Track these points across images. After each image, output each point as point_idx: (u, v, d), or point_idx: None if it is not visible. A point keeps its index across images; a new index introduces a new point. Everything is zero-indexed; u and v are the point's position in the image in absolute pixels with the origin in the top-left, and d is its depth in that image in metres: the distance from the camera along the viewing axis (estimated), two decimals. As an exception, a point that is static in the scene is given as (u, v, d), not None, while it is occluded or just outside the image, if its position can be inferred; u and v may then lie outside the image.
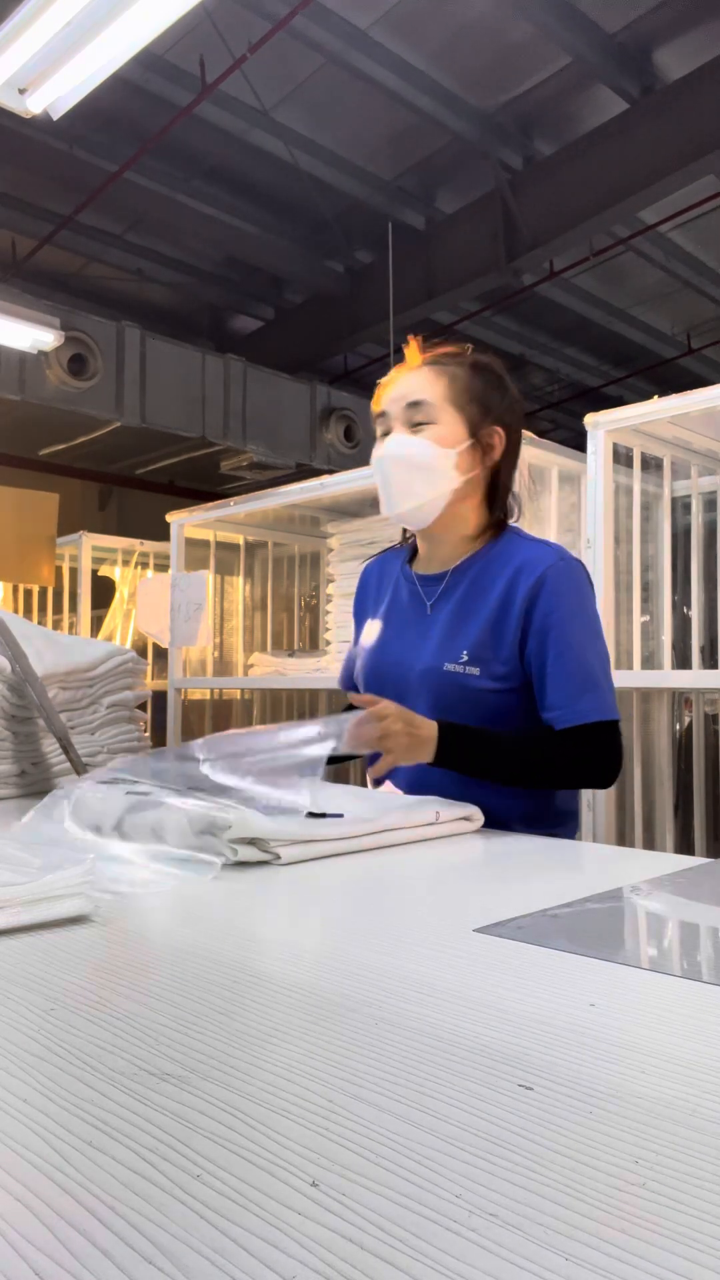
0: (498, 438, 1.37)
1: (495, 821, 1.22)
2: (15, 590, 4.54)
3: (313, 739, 1.13)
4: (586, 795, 2.22)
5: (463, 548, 1.41)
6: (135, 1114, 0.41)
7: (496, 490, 1.41)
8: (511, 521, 1.45)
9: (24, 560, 4.00)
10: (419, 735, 1.22)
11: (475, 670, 1.31)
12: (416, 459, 1.34)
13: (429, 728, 1.23)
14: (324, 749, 1.11)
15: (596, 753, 1.29)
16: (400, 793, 1.36)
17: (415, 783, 1.35)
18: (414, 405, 1.36)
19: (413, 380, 1.38)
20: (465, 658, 1.32)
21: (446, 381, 1.36)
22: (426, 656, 1.36)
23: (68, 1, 2.19)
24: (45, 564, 4.06)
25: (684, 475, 2.39)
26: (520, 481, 1.46)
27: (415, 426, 1.36)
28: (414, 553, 1.50)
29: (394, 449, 1.36)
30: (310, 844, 0.98)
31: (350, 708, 1.31)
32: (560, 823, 1.39)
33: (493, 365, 1.41)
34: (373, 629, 1.49)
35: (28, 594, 4.55)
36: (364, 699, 1.23)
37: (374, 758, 1.23)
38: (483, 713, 1.31)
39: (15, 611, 4.30)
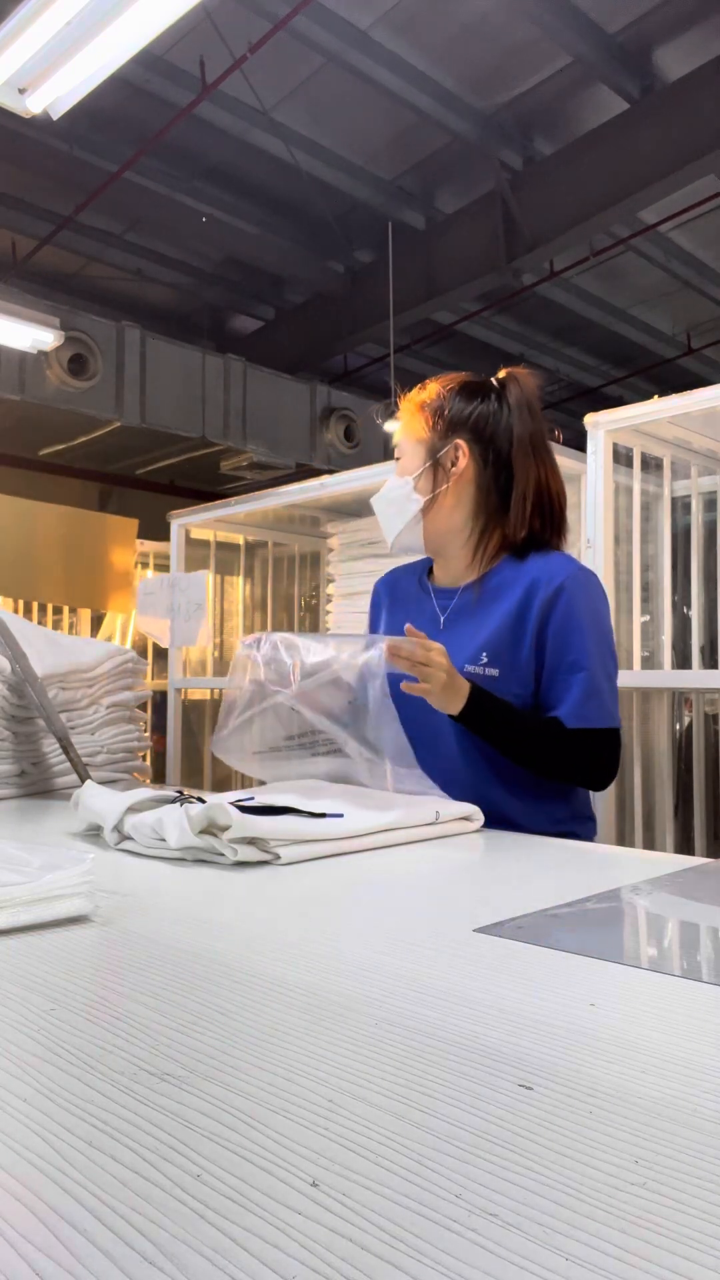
0: (460, 451, 1.43)
1: (515, 826, 1.29)
2: (15, 590, 4.53)
3: (361, 648, 1.25)
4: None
5: (473, 561, 1.47)
6: (135, 1114, 0.41)
7: (489, 501, 1.45)
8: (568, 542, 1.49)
9: (104, 587, 3.97)
10: (455, 684, 1.28)
11: (495, 672, 1.36)
12: (383, 496, 1.50)
13: (464, 683, 1.29)
14: (374, 654, 1.23)
15: (596, 756, 1.35)
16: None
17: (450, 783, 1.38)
18: (396, 448, 1.53)
19: (399, 428, 1.54)
20: (485, 659, 1.37)
21: (412, 416, 1.49)
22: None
23: (68, 1, 2.19)
24: (124, 595, 4.02)
25: (684, 475, 2.38)
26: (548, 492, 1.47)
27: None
28: (433, 566, 1.56)
29: (377, 493, 1.52)
30: (310, 844, 0.98)
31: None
32: (582, 824, 1.44)
33: (467, 383, 1.49)
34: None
35: (28, 594, 4.55)
36: (416, 633, 1.29)
37: (407, 679, 1.29)
38: None
39: (16, 612, 4.30)
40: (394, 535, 1.49)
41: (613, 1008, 0.55)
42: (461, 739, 1.37)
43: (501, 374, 1.49)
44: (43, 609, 4.44)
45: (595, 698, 1.32)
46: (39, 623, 3.87)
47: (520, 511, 1.42)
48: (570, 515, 2.50)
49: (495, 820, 1.25)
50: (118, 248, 6.81)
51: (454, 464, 1.44)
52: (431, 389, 1.48)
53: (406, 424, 1.50)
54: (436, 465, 1.45)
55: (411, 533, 1.48)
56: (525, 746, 1.33)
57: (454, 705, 1.29)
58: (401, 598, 1.57)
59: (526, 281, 6.77)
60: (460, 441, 1.43)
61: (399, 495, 1.47)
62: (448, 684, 1.27)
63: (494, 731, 1.31)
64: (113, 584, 3.99)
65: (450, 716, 1.30)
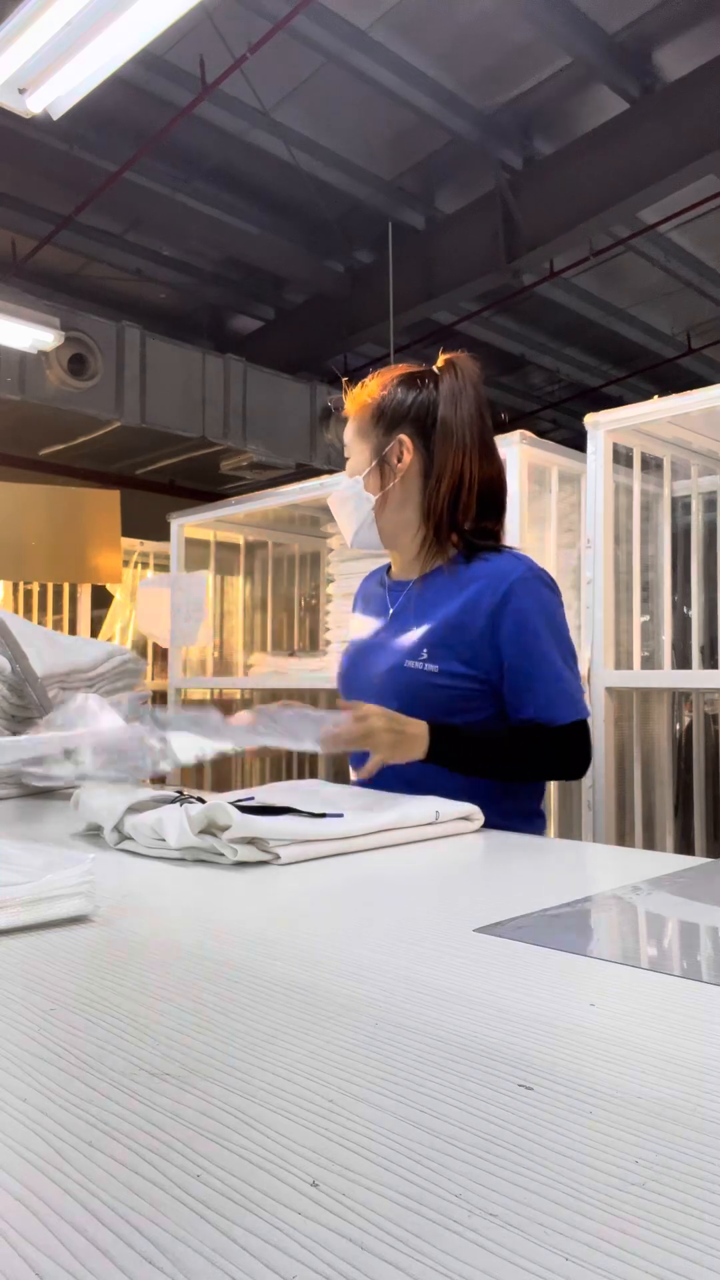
0: (403, 447, 1.43)
1: None
2: (15, 590, 4.54)
3: (303, 742, 1.20)
4: (586, 795, 2.22)
5: (421, 556, 1.48)
6: (135, 1114, 0.41)
7: (430, 496, 1.43)
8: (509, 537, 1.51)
9: (90, 560, 4.03)
10: (405, 733, 1.27)
11: (434, 667, 1.37)
12: (336, 497, 1.51)
13: (417, 726, 1.29)
14: (306, 746, 1.20)
15: (570, 750, 1.36)
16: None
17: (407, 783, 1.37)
18: (346, 447, 1.52)
19: (345, 430, 1.53)
20: (425, 655, 1.38)
21: (355, 415, 1.49)
22: (390, 656, 1.42)
23: (68, 1, 2.19)
24: (112, 563, 4.08)
25: (684, 475, 2.39)
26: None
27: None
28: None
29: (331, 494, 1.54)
30: (310, 844, 0.98)
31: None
32: (528, 821, 1.43)
33: (406, 375, 1.47)
34: (351, 633, 1.59)
35: (28, 594, 4.55)
36: (346, 705, 1.29)
37: (362, 758, 1.29)
38: (445, 708, 1.36)
39: (15, 611, 4.30)
40: (351, 534, 1.50)
41: (613, 1008, 0.55)
42: None
43: (440, 362, 1.47)
44: (43, 609, 4.45)
45: (562, 695, 1.34)
46: (39, 623, 3.88)
47: (434, 498, 1.41)
48: (570, 515, 2.51)
49: None
50: (118, 248, 6.81)
51: (399, 460, 1.44)
52: (372, 385, 1.48)
53: (351, 423, 1.50)
54: (383, 463, 1.45)
55: (369, 531, 1.49)
56: (500, 765, 1.35)
57: (415, 753, 1.28)
58: (368, 596, 1.61)
59: (526, 281, 6.77)
60: (404, 437, 1.43)
61: (351, 495, 1.48)
62: (398, 742, 1.26)
63: (466, 764, 1.32)
64: (100, 556, 4.03)
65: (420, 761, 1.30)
